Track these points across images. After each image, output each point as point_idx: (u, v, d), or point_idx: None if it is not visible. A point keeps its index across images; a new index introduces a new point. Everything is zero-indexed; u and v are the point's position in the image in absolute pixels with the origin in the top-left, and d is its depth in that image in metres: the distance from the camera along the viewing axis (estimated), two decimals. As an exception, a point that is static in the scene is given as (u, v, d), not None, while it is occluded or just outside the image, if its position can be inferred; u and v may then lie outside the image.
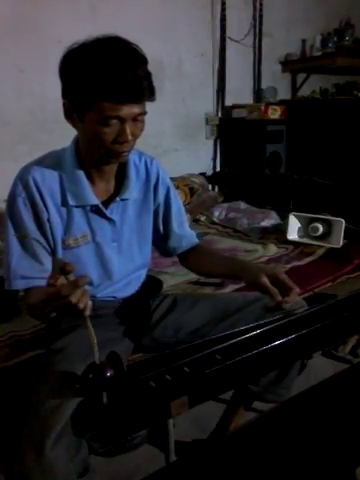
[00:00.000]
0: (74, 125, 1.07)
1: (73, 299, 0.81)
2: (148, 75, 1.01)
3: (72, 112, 1.04)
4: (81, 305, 0.83)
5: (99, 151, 1.05)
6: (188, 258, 1.35)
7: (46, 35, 2.56)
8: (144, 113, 1.03)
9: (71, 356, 1.03)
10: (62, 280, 0.83)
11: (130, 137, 1.02)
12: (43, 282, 1.06)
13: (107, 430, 0.90)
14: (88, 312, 0.84)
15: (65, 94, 1.04)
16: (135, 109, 1.00)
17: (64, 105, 1.05)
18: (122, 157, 1.08)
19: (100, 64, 0.96)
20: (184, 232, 1.33)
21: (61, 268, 0.80)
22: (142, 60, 1.01)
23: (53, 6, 2.64)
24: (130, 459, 1.46)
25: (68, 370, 0.98)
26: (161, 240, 1.32)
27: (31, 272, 1.08)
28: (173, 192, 1.30)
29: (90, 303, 0.85)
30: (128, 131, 1.01)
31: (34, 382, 1.04)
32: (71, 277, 0.83)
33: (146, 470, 0.68)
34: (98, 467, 1.33)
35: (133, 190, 1.19)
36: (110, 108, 0.98)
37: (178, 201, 1.32)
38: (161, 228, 1.30)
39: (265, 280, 1.11)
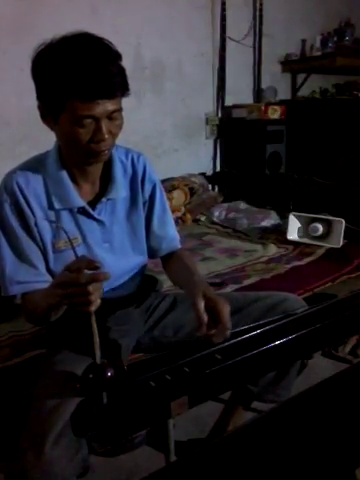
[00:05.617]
0: (51, 127, 1.04)
1: (90, 288, 0.81)
2: (121, 70, 0.98)
3: (47, 114, 1.02)
4: (93, 297, 0.83)
5: (77, 152, 1.03)
6: (165, 263, 1.31)
7: (46, 35, 2.54)
8: (120, 109, 1.01)
9: (71, 356, 1.03)
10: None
11: (106, 135, 0.99)
12: (39, 285, 1.06)
13: (107, 430, 0.90)
14: (94, 308, 0.84)
15: (38, 96, 1.02)
16: (108, 106, 0.97)
17: (39, 108, 1.03)
18: (102, 156, 1.05)
19: (67, 62, 0.94)
20: (164, 234, 1.27)
21: (88, 263, 0.82)
22: (114, 56, 0.98)
23: (53, 6, 2.63)
24: (130, 459, 1.46)
25: (68, 370, 0.98)
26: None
27: (27, 277, 1.07)
28: (159, 191, 1.26)
29: (98, 301, 0.85)
30: (104, 129, 0.98)
31: (34, 382, 1.04)
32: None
33: (146, 470, 0.68)
34: (98, 467, 1.33)
35: (120, 189, 1.16)
36: (82, 107, 0.95)
37: (164, 201, 1.28)
38: (144, 225, 1.26)
39: (199, 303, 1.02)
